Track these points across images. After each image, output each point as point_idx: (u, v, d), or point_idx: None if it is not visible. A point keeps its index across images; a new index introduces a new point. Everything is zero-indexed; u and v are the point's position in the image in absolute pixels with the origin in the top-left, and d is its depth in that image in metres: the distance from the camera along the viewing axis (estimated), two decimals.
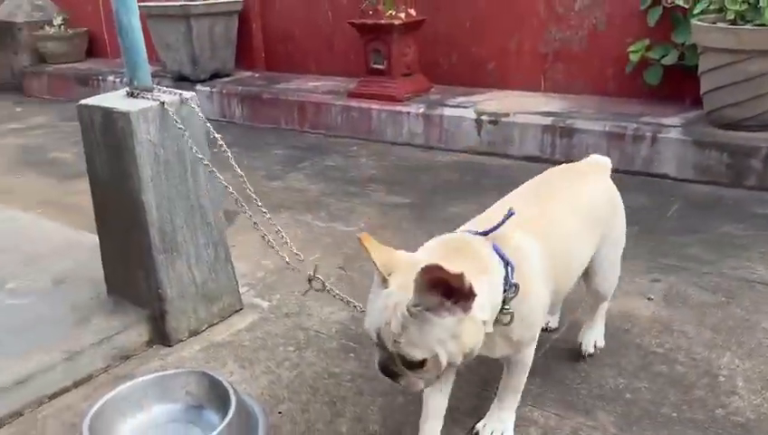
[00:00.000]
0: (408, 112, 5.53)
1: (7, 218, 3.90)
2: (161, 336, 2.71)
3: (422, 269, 1.43)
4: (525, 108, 5.19)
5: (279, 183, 4.79)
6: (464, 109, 5.32)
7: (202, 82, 6.82)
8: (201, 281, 2.79)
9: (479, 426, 2.05)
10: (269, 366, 2.54)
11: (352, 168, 5.07)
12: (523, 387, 2.03)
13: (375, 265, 1.61)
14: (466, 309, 1.51)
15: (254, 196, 2.53)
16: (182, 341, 2.73)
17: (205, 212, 2.75)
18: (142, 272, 2.67)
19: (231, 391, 2.16)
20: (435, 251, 1.70)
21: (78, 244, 3.43)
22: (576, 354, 2.45)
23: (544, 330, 2.55)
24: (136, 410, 2.22)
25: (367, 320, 1.62)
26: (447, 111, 5.36)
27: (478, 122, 5.17)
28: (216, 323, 2.86)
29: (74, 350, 2.51)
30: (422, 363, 1.53)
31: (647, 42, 4.96)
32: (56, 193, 4.75)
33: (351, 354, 2.57)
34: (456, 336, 1.53)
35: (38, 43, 8.57)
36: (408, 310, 1.50)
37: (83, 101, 2.63)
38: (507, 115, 5.08)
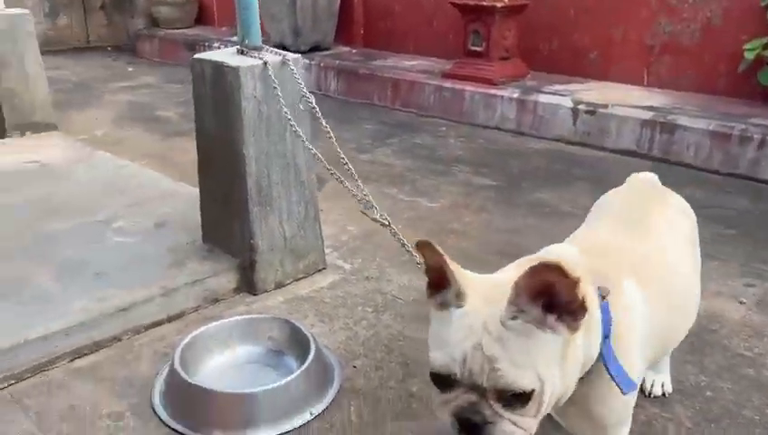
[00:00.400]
0: (502, 96, 5.47)
1: (117, 166, 4.19)
2: (249, 285, 2.86)
3: (530, 269, 1.17)
4: (625, 100, 5.03)
5: (367, 156, 4.88)
6: (560, 97, 5.22)
7: (302, 53, 6.97)
8: (290, 236, 2.90)
9: None
10: (347, 323, 2.63)
11: (440, 147, 5.09)
12: None
13: (450, 276, 1.26)
14: (574, 327, 1.22)
15: (344, 159, 2.57)
16: (267, 291, 2.87)
17: (299, 171, 2.85)
18: (237, 222, 2.81)
19: (311, 340, 2.26)
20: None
21: (178, 193, 3.65)
22: None
23: (649, 395, 2.15)
24: (222, 347, 2.37)
25: (439, 354, 1.24)
26: (543, 98, 5.27)
27: (574, 111, 5.05)
28: (301, 279, 2.97)
29: (170, 288, 2.69)
30: (528, 398, 1.20)
31: (765, 40, 4.68)
32: (159, 147, 5.04)
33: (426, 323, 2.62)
34: (564, 359, 1.24)
35: (153, 8, 9.07)
36: (503, 323, 1.20)
37: (197, 56, 2.78)
38: (606, 106, 4.94)
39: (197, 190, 3.04)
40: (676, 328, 1.65)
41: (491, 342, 1.19)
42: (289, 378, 2.09)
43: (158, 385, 2.23)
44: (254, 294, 2.85)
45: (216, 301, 2.79)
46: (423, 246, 1.25)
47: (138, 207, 3.46)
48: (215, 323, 2.42)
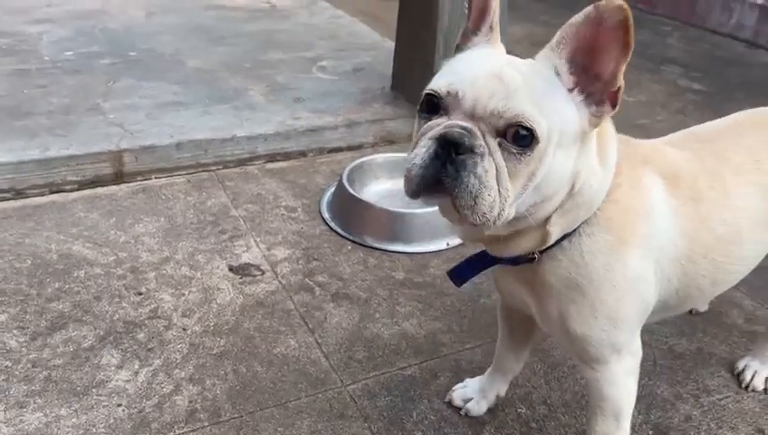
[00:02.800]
0: (744, 0, 4.87)
1: (334, 16, 4.57)
2: None
3: (594, 8, 0.99)
4: None
5: None
6: None
7: None
8: None
9: None
10: None
11: (656, 45, 4.75)
12: None
13: (492, 7, 1.14)
14: (596, 118, 1.07)
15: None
16: None
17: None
18: (422, 73, 3.01)
19: None
20: None
21: (380, 46, 3.92)
22: None
23: (746, 388, 1.80)
24: (386, 176, 2.66)
25: (445, 76, 1.08)
26: None
27: None
28: None
29: (354, 121, 3.01)
30: (528, 144, 1.01)
31: None
32: (375, 6, 5.32)
33: None
34: (567, 149, 1.07)
35: None
36: (532, 65, 1.07)
37: None
38: None
39: None
40: (702, 270, 1.30)
41: (513, 72, 1.04)
42: (433, 208, 2.32)
43: (327, 195, 2.60)
44: None
45: (392, 142, 3.07)
46: None
47: (343, 52, 3.81)
48: (384, 155, 2.71)
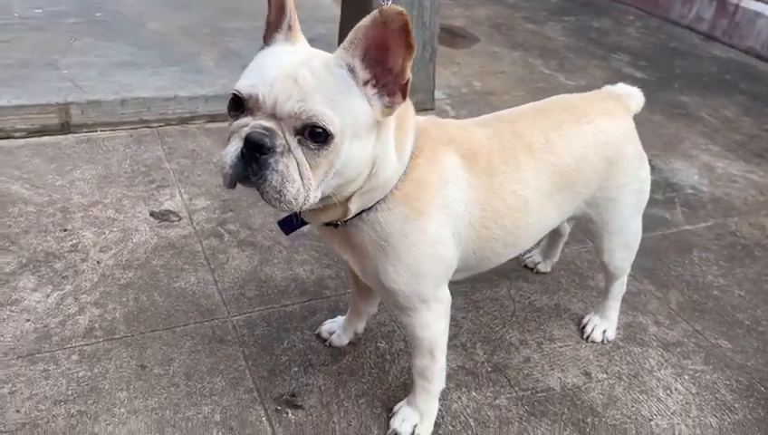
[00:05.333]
0: None
1: None
2: None
3: (379, 12, 1.10)
4: None
5: (533, 26, 4.89)
6: (765, 5, 4.68)
7: None
8: None
9: (396, 409, 1.68)
10: None
11: (614, 33, 4.92)
12: (433, 375, 1.59)
13: (288, 7, 1.27)
14: (388, 108, 1.21)
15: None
16: None
17: (423, 11, 3.12)
18: None
19: None
20: None
21: (338, 18, 4.10)
22: (683, 248, 2.46)
23: (531, 269, 2.25)
24: None
25: (249, 78, 1.20)
26: (746, 3, 4.77)
27: None
28: None
29: None
30: (325, 141, 1.15)
31: None
32: None
33: None
34: (363, 139, 1.21)
35: None
36: (327, 65, 1.17)
37: None
38: None
39: None
40: (493, 235, 1.50)
41: (308, 74, 1.15)
42: None
43: None
44: None
45: None
46: None
47: (300, 24, 3.98)
48: None
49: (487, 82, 3.86)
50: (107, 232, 2.27)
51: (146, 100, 2.95)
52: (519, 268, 2.28)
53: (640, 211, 1.82)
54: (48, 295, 1.97)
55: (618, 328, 2.03)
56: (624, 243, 1.83)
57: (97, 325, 1.88)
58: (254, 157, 1.14)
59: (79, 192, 2.47)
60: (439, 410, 1.68)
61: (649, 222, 2.59)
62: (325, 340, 1.89)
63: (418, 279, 1.42)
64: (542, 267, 2.26)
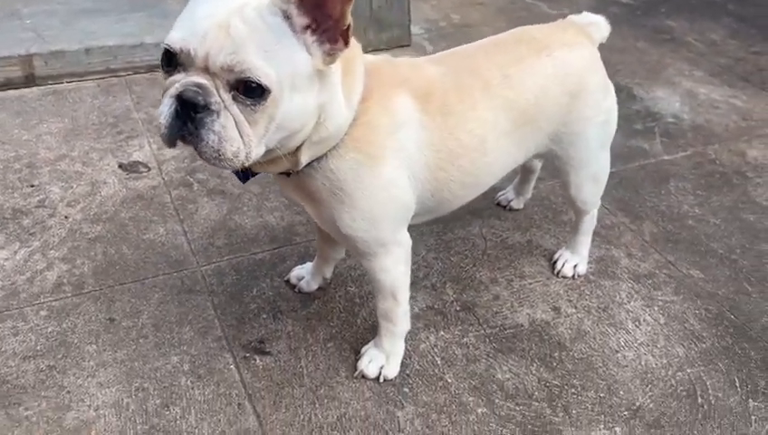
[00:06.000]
0: None
1: None
2: None
3: None
4: None
5: None
6: None
7: None
8: (377, 7, 3.14)
9: (363, 351, 1.69)
10: None
11: None
12: (397, 317, 1.60)
13: None
14: (329, 57, 1.16)
15: None
16: None
17: None
18: None
19: None
20: None
21: None
22: (660, 178, 2.44)
23: (504, 207, 2.22)
24: None
25: (180, 30, 1.12)
26: None
27: None
28: (382, 50, 3.25)
29: None
30: (261, 95, 1.10)
31: None
32: None
33: None
34: (304, 92, 1.16)
35: None
36: (260, 13, 1.11)
37: None
38: None
39: None
40: (451, 177, 1.48)
41: (240, 24, 1.09)
42: None
43: None
44: None
45: None
46: None
47: None
48: None
49: (466, 13, 3.75)
50: (74, 186, 2.25)
51: (111, 48, 2.87)
52: (492, 206, 2.26)
53: (608, 143, 1.78)
54: (15, 252, 1.96)
55: (590, 262, 2.03)
56: (592, 176, 1.80)
57: (65, 280, 1.88)
58: (189, 115, 1.10)
59: (45, 146, 2.43)
60: (407, 350, 1.70)
61: (628, 153, 2.58)
62: (294, 286, 1.89)
63: (375, 224, 1.40)
64: (515, 204, 2.24)
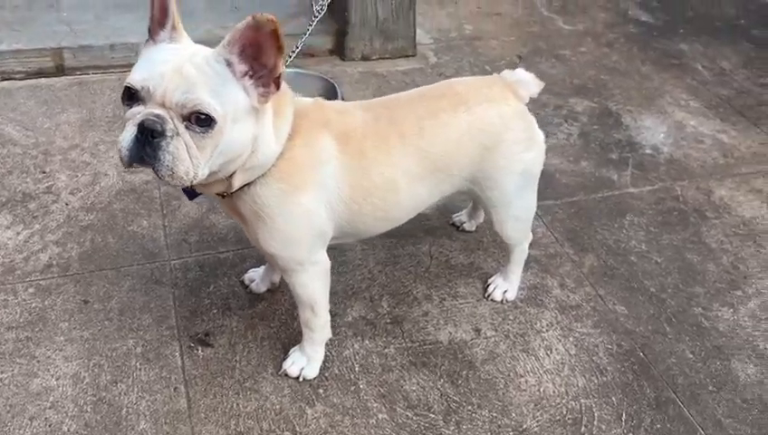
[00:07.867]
0: None
1: None
2: (340, 51, 3.40)
3: (253, 19, 1.29)
4: None
5: None
6: None
7: None
8: (382, 18, 3.31)
9: (290, 352, 1.91)
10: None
11: None
12: (316, 327, 1.82)
13: (171, 10, 1.42)
14: (264, 97, 1.40)
15: None
16: (354, 60, 3.39)
17: None
18: None
19: (339, 97, 2.80)
20: None
21: None
22: (618, 212, 2.54)
23: (457, 227, 2.40)
24: None
25: (140, 72, 1.36)
26: None
27: None
28: (386, 59, 3.42)
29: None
30: (209, 124, 1.34)
31: None
32: None
33: None
34: (243, 123, 1.41)
35: None
36: (207, 61, 1.35)
37: None
38: None
39: None
40: (363, 212, 1.69)
41: (191, 69, 1.33)
42: None
43: None
44: (343, 60, 3.40)
45: (312, 56, 3.39)
46: None
47: None
48: (288, 69, 3.06)
49: (481, 24, 3.86)
50: (79, 175, 2.55)
51: (134, 45, 3.15)
52: (446, 226, 2.43)
53: (530, 186, 1.93)
54: (19, 233, 2.28)
55: (522, 288, 2.19)
56: (513, 216, 1.95)
57: (55, 262, 2.19)
58: (148, 141, 1.34)
59: (62, 135, 2.75)
60: (331, 354, 1.93)
61: (594, 183, 2.69)
62: (247, 286, 2.14)
63: (292, 245, 1.65)
64: (467, 226, 2.41)
